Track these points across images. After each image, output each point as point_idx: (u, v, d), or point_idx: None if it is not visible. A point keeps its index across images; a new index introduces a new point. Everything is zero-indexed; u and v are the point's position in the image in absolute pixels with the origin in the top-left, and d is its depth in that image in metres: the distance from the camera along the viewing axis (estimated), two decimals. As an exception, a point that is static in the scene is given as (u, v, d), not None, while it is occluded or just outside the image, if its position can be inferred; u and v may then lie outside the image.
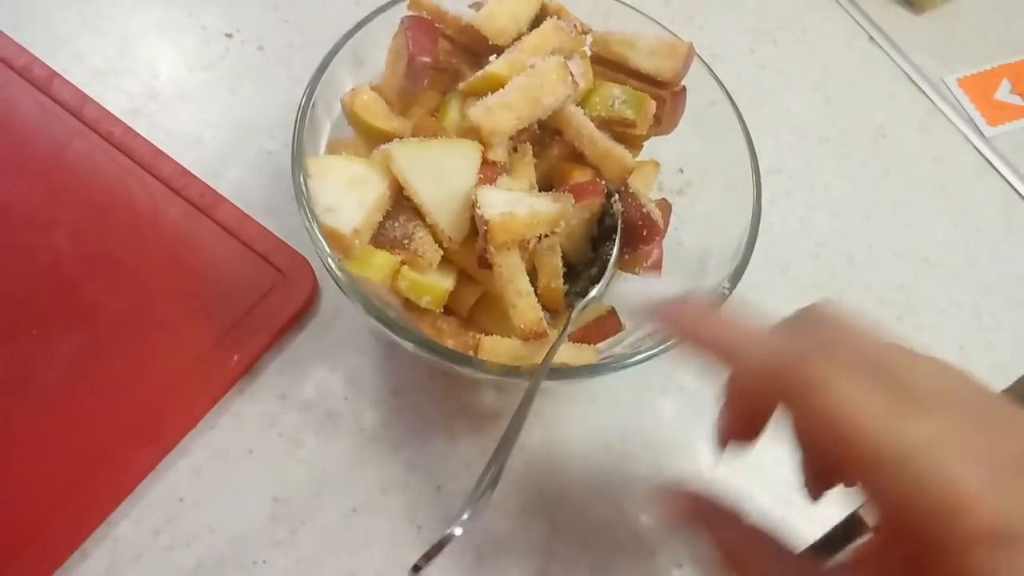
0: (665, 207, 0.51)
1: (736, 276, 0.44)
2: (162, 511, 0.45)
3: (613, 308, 0.47)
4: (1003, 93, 0.73)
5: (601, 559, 0.47)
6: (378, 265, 0.42)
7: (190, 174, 0.53)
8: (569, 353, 0.44)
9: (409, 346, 0.40)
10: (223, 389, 0.47)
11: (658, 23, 0.49)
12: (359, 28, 0.45)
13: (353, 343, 0.51)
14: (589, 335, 0.46)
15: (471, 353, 0.43)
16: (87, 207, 0.51)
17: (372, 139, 0.45)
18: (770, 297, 0.57)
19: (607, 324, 0.47)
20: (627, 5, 0.50)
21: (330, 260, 0.39)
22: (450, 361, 0.39)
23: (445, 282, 0.43)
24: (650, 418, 0.51)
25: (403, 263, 0.43)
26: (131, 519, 0.44)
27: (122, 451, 0.45)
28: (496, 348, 0.43)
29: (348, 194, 0.41)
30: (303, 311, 0.50)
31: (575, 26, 0.48)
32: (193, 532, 0.44)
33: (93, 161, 0.53)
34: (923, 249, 0.61)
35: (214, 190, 0.53)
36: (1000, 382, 0.56)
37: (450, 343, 0.43)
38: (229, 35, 0.61)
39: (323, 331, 0.51)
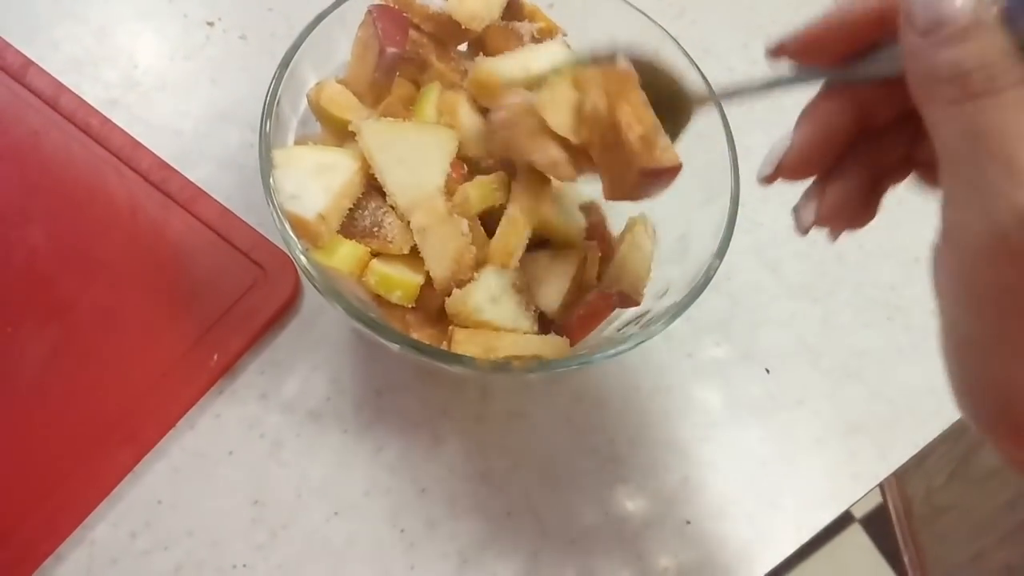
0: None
1: (721, 252, 0.43)
2: (140, 514, 0.44)
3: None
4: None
5: (587, 561, 0.46)
6: (345, 255, 0.41)
7: (169, 167, 0.52)
8: (540, 345, 0.42)
9: (394, 347, 0.39)
10: (202, 389, 0.46)
11: (647, 16, 0.48)
12: (320, 20, 0.43)
13: (336, 342, 0.50)
14: (583, 323, 0.45)
15: (444, 346, 0.42)
16: (63, 200, 0.50)
17: (340, 133, 0.43)
18: (760, 297, 0.56)
19: (600, 305, 0.46)
20: (630, 5, 0.49)
21: (297, 251, 0.38)
22: (438, 360, 0.39)
23: (416, 276, 0.42)
24: (637, 419, 0.51)
25: (374, 253, 0.42)
26: (108, 522, 0.43)
27: (99, 452, 0.44)
28: (470, 340, 0.42)
29: (313, 180, 0.40)
30: (285, 309, 0.49)
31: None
32: (171, 535, 0.44)
33: (69, 153, 0.51)
34: (914, 249, 0.60)
35: (194, 183, 0.51)
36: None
37: (415, 336, 0.42)
38: (211, 23, 0.59)
39: (305, 329, 0.50)
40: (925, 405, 0.54)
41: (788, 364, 0.54)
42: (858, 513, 1.45)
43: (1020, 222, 0.21)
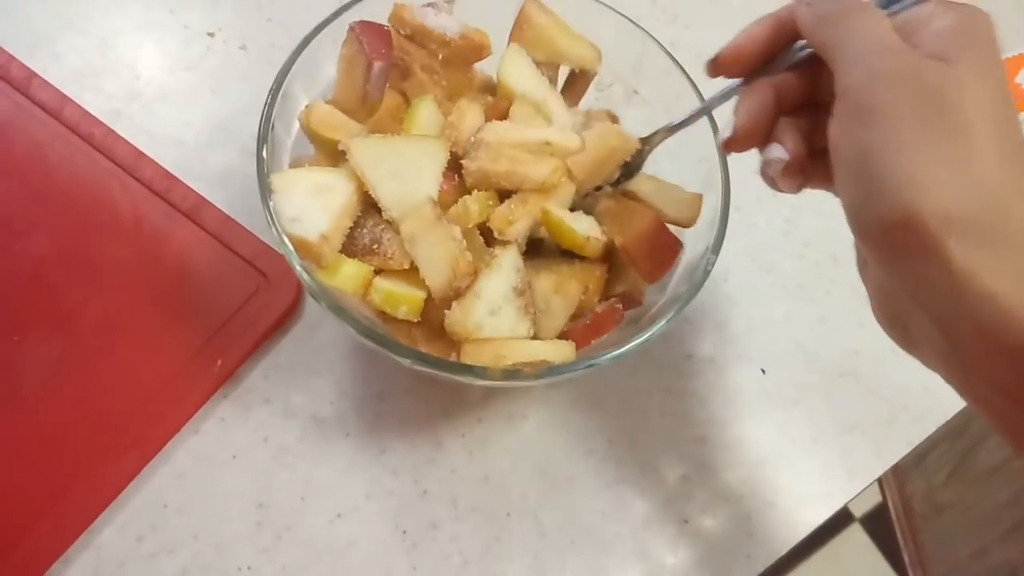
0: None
1: (716, 246, 0.43)
2: (146, 518, 0.45)
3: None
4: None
5: (587, 561, 0.47)
6: (348, 275, 0.41)
7: (172, 176, 0.53)
8: (548, 350, 0.43)
9: (406, 362, 0.39)
10: (207, 394, 0.47)
11: (639, 26, 0.49)
12: (307, 43, 0.44)
13: (338, 347, 0.50)
14: (591, 330, 0.45)
15: (453, 357, 0.43)
16: (67, 210, 0.51)
17: (333, 153, 0.44)
18: (755, 298, 0.57)
19: (608, 317, 0.46)
20: (608, 7, 0.50)
21: (302, 272, 0.39)
22: (450, 372, 0.39)
23: (419, 291, 0.42)
24: (635, 420, 0.51)
25: (376, 271, 0.43)
26: (114, 526, 0.44)
27: (104, 457, 0.44)
28: (479, 351, 0.42)
29: (312, 202, 0.41)
30: (287, 315, 0.50)
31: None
32: (177, 538, 0.44)
33: (73, 163, 0.52)
34: (907, 249, 0.61)
35: (197, 193, 0.52)
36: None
37: (423, 350, 0.43)
38: (211, 34, 0.60)
39: (308, 335, 0.51)
40: (920, 404, 0.55)
41: (784, 364, 0.55)
42: (858, 512, 1.45)
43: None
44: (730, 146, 0.37)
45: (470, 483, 0.48)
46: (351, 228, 0.43)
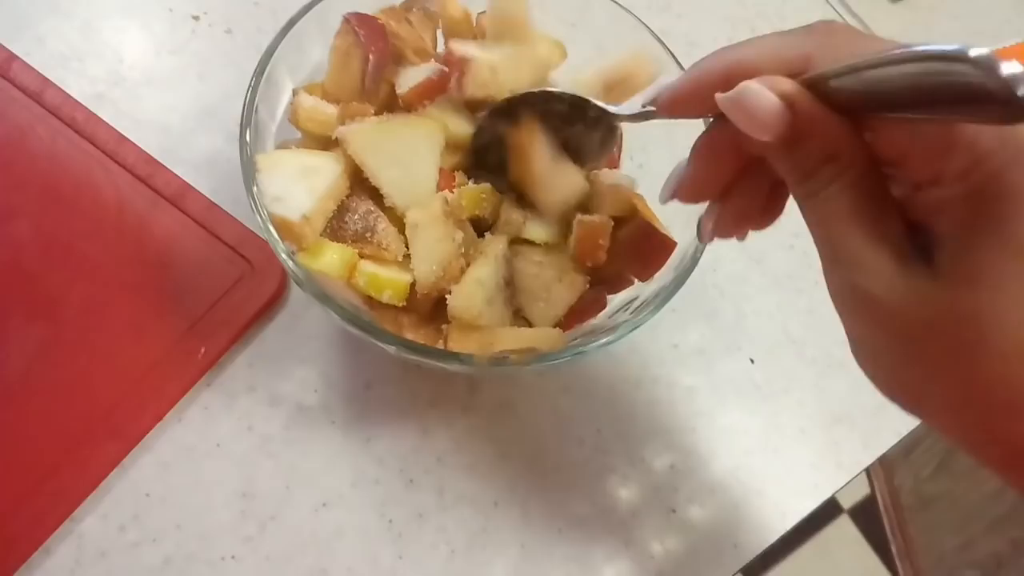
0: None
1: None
2: (128, 507, 0.44)
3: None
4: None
5: (575, 550, 0.47)
6: (332, 258, 0.41)
7: (156, 162, 0.52)
8: (536, 337, 0.43)
9: (390, 349, 0.39)
10: (190, 382, 0.46)
11: (632, 14, 0.49)
12: (291, 26, 0.43)
13: (324, 335, 0.50)
14: (574, 316, 0.45)
15: (440, 344, 0.42)
16: (49, 196, 0.50)
17: (322, 141, 0.44)
18: (745, 289, 0.57)
19: (592, 303, 0.46)
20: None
21: (284, 256, 0.38)
22: (435, 360, 0.39)
23: (405, 275, 0.42)
24: (624, 410, 0.51)
25: (364, 257, 0.42)
26: (96, 515, 0.44)
27: (86, 446, 0.44)
28: (466, 337, 0.42)
29: (297, 183, 0.40)
30: (272, 302, 0.49)
31: None
32: (160, 528, 0.44)
33: (55, 148, 0.51)
34: (897, 239, 0.61)
35: (181, 178, 0.52)
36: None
37: (409, 336, 0.42)
38: (196, 18, 0.59)
39: (293, 323, 0.50)
40: (908, 394, 0.55)
41: (773, 354, 0.55)
42: (846, 504, 1.46)
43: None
44: (673, 198, 0.35)
45: (457, 472, 0.48)
46: (341, 214, 0.42)
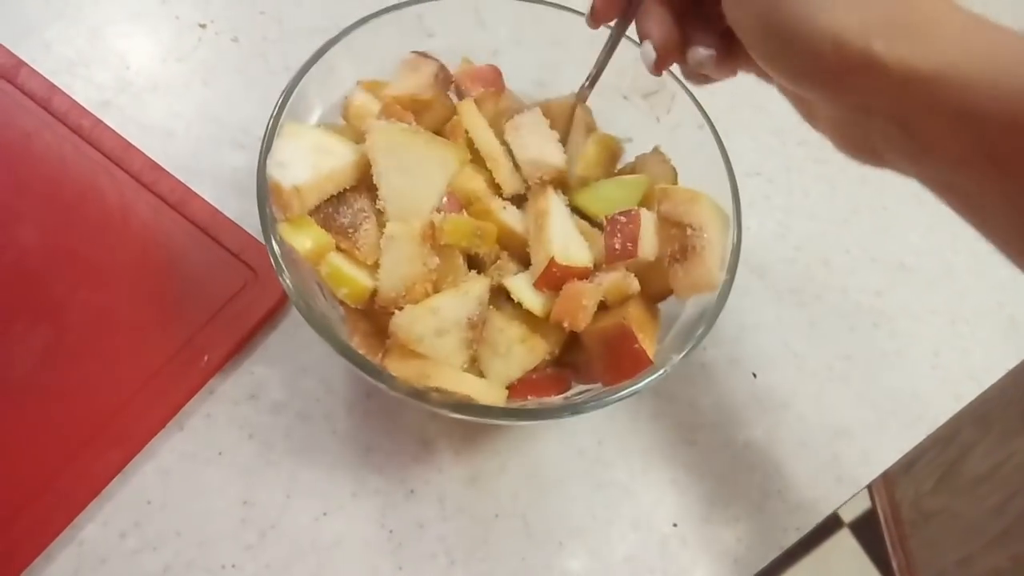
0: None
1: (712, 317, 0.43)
2: (129, 514, 0.44)
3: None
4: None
5: (574, 564, 0.47)
6: (307, 238, 0.41)
7: (161, 168, 0.52)
8: (476, 388, 0.41)
9: (327, 341, 0.39)
10: (193, 390, 0.47)
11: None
12: (325, 51, 0.45)
13: (326, 345, 0.50)
14: (530, 388, 0.44)
15: (378, 360, 0.41)
16: (54, 201, 0.50)
17: (360, 137, 0.44)
18: (746, 301, 0.57)
19: (553, 383, 0.45)
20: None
21: (267, 220, 0.40)
22: (362, 371, 0.38)
23: (367, 280, 0.42)
24: (625, 423, 0.51)
25: (339, 250, 0.42)
26: (97, 522, 0.44)
27: (88, 452, 0.44)
28: (405, 362, 0.40)
29: (306, 157, 0.41)
30: (275, 310, 0.49)
31: None
32: (161, 535, 0.44)
33: (61, 154, 0.51)
34: (900, 255, 0.61)
35: (185, 185, 0.52)
36: (974, 389, 0.56)
37: (356, 341, 0.42)
38: (203, 25, 0.60)
39: (296, 331, 0.50)
40: (909, 410, 0.55)
41: (774, 368, 0.55)
42: (847, 518, 1.46)
43: None
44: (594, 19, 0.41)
45: (457, 483, 0.48)
46: (338, 204, 0.43)
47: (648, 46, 0.38)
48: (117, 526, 0.44)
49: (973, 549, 1.36)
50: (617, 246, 0.43)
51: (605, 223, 0.44)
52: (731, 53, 0.38)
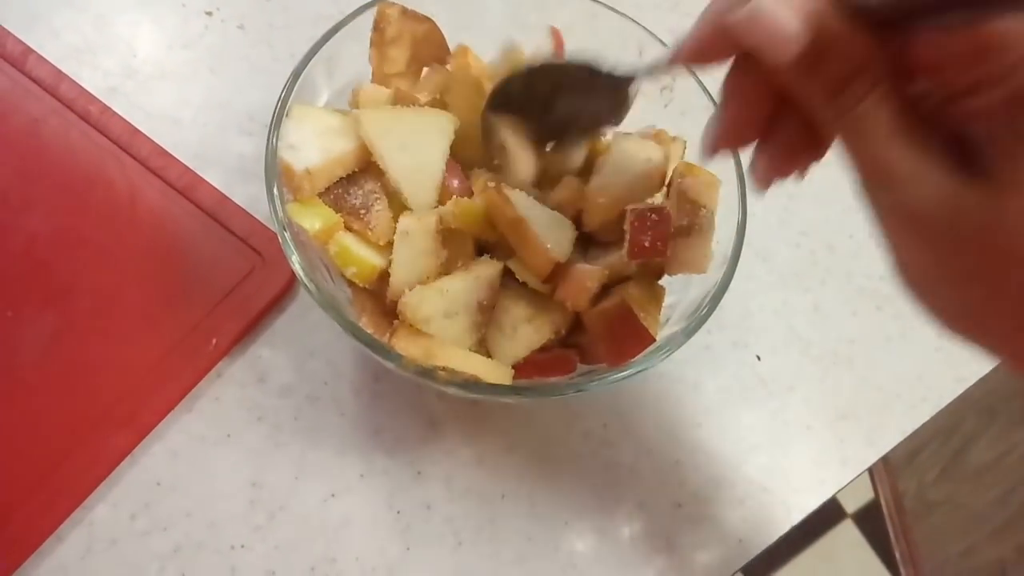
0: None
1: (718, 295, 0.43)
2: (139, 495, 0.44)
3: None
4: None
5: (580, 544, 0.47)
6: (316, 216, 0.41)
7: (168, 154, 0.52)
8: (481, 367, 0.41)
9: (334, 319, 0.39)
10: (201, 372, 0.47)
11: (638, 23, 0.49)
12: (332, 35, 0.45)
13: (334, 327, 0.49)
14: (536, 369, 0.44)
15: (386, 339, 0.41)
16: (62, 187, 0.50)
17: None
18: (750, 286, 0.57)
19: (558, 363, 0.44)
20: (604, 5, 0.49)
21: (276, 200, 0.40)
22: (370, 350, 0.38)
23: (377, 259, 0.42)
24: (631, 405, 0.51)
25: (351, 230, 0.43)
26: (107, 503, 0.44)
27: (98, 434, 0.44)
28: (412, 341, 0.40)
29: (315, 139, 0.42)
30: (283, 294, 0.50)
31: None
32: (170, 516, 0.44)
33: (69, 140, 0.52)
34: (904, 239, 0.61)
35: (193, 171, 0.52)
36: (977, 371, 0.56)
37: (364, 320, 0.42)
38: (209, 13, 0.60)
39: (304, 314, 0.50)
40: (913, 392, 0.55)
41: (779, 351, 0.55)
42: (850, 508, 1.46)
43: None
44: (716, 150, 0.33)
45: (465, 464, 0.48)
46: (348, 185, 0.43)
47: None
48: (127, 507, 0.44)
49: (976, 539, 1.37)
50: (647, 243, 0.41)
51: (629, 216, 0.42)
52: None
